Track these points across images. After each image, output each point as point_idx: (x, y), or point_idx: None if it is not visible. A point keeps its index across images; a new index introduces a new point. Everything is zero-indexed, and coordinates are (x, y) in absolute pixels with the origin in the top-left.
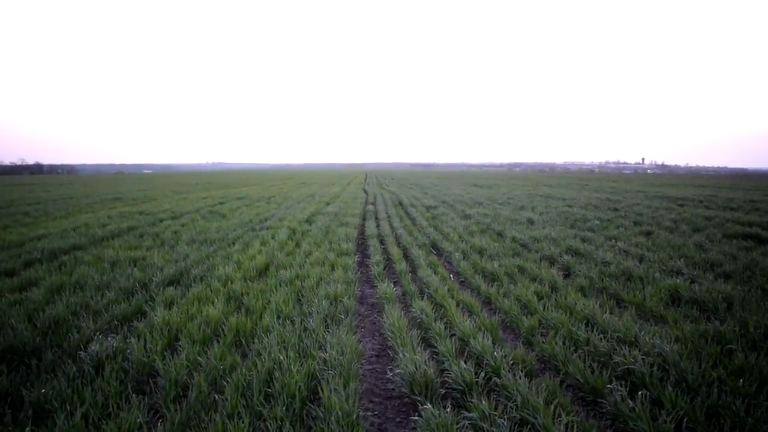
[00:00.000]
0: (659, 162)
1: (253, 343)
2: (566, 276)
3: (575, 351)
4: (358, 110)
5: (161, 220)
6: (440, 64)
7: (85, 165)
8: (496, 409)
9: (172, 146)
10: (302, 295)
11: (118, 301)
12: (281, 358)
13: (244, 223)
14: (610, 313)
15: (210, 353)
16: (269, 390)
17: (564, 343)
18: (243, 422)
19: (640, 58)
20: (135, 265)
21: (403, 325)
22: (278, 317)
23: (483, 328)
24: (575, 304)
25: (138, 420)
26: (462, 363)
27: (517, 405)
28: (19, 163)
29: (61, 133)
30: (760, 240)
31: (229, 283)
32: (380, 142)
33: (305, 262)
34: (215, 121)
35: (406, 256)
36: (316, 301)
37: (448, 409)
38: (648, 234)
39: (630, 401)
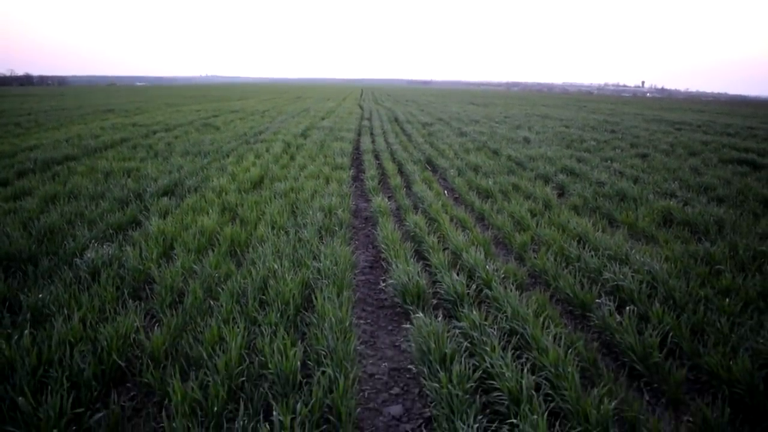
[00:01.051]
0: (659, 86)
1: (248, 252)
2: (560, 195)
3: (566, 267)
4: (356, 24)
5: (154, 132)
6: None
7: (76, 76)
8: (486, 319)
9: (166, 58)
10: (296, 207)
11: (113, 210)
12: (275, 267)
13: (238, 136)
14: (603, 231)
15: (205, 262)
16: (264, 297)
17: (555, 259)
18: (238, 327)
19: None
20: (129, 176)
21: (396, 238)
22: (272, 228)
23: (476, 243)
24: (568, 222)
25: (135, 324)
26: (454, 275)
27: (506, 316)
28: (7, 74)
29: (52, 44)
30: (755, 166)
31: (224, 194)
32: (378, 57)
33: (300, 175)
34: (210, 33)
35: (401, 171)
36: (310, 213)
37: (440, 319)
38: (644, 156)
39: (618, 316)
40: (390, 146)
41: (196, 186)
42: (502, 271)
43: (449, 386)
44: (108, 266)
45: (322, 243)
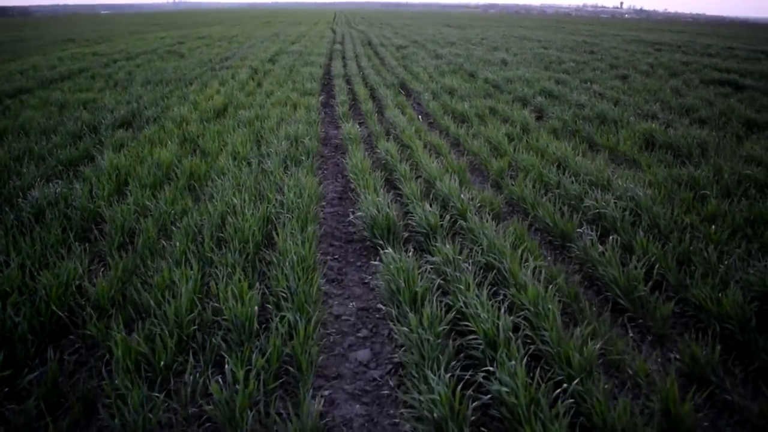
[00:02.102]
0: (637, 6)
1: (207, 186)
2: (539, 118)
3: (545, 194)
4: None
5: (115, 61)
6: None
7: (40, 6)
8: (460, 253)
9: None
10: (261, 137)
11: (65, 145)
12: (235, 201)
13: (203, 63)
14: (583, 156)
15: (160, 197)
16: (222, 235)
17: (534, 186)
18: (192, 269)
19: None
20: (85, 108)
21: (366, 167)
22: (234, 159)
23: (450, 170)
24: (547, 146)
25: (78, 269)
26: (426, 206)
27: (482, 249)
28: None
29: None
30: (737, 86)
31: (185, 124)
32: None
33: (266, 102)
34: None
35: (373, 96)
36: (275, 141)
37: (410, 253)
38: (624, 77)
39: (600, 246)
40: (362, 70)
41: (156, 116)
42: (477, 200)
43: (419, 330)
44: (54, 206)
45: (287, 174)
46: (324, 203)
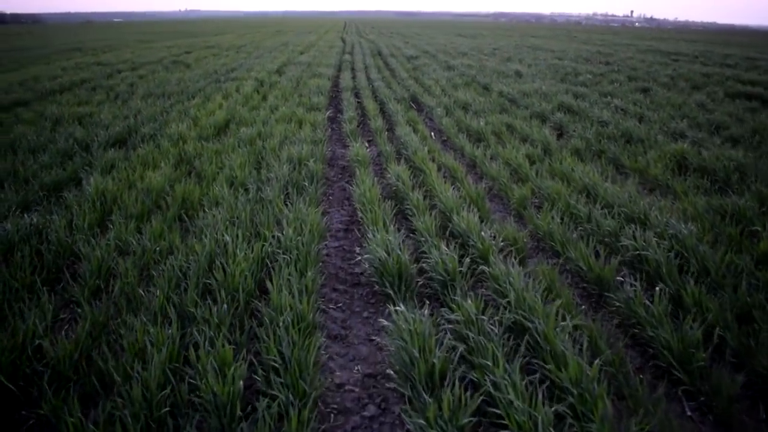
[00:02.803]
0: (648, 15)
1: (198, 218)
2: (559, 136)
3: (575, 229)
4: None
5: (119, 72)
6: None
7: (52, 14)
8: (484, 311)
9: None
10: (262, 158)
11: (52, 165)
12: (227, 239)
13: (208, 74)
14: (612, 181)
15: (145, 231)
16: (209, 282)
17: (562, 219)
18: (170, 327)
19: None
20: (80, 123)
21: (375, 195)
22: (231, 185)
23: (468, 199)
24: (572, 170)
25: (40, 325)
26: (443, 246)
27: (510, 303)
28: None
29: None
30: (764, 101)
31: (182, 143)
32: None
33: (270, 118)
34: None
35: (383, 111)
36: (276, 165)
37: (426, 311)
38: (645, 91)
39: (645, 299)
40: (372, 83)
41: (152, 134)
42: (500, 238)
43: (440, 422)
44: (26, 242)
45: (288, 204)
46: (328, 236)
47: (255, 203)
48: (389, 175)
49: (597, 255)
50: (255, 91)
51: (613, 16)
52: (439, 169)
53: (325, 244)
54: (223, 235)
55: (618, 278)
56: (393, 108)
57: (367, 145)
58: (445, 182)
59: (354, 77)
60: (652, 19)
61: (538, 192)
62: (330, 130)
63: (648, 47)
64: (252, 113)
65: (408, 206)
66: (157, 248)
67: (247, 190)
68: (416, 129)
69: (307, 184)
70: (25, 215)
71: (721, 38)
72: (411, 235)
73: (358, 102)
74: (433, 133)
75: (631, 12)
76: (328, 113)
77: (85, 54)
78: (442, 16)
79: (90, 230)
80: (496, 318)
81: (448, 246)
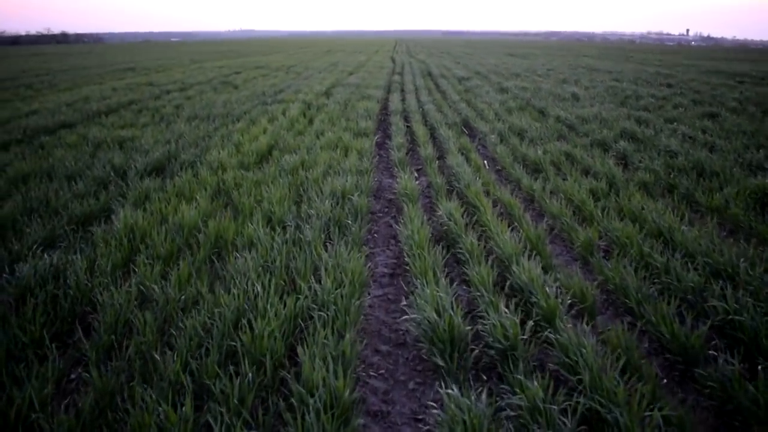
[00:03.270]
0: (704, 34)
1: (230, 260)
2: (623, 167)
3: (652, 283)
4: None
5: (168, 92)
6: None
7: (113, 33)
8: (554, 394)
9: (203, 12)
10: (304, 190)
11: (86, 194)
12: (258, 290)
13: (255, 96)
14: (688, 223)
15: (171, 276)
16: (233, 344)
17: (635, 270)
18: (182, 404)
19: None
20: (121, 147)
21: (424, 237)
22: (269, 221)
23: (527, 242)
24: (642, 209)
25: (41, 392)
26: (501, 306)
27: (584, 384)
28: (44, 32)
29: (91, 1)
30: None
31: (221, 171)
32: (413, 8)
33: (315, 144)
34: None
35: (433, 137)
36: (318, 200)
37: (483, 396)
38: (713, 116)
39: (744, 378)
40: (422, 105)
41: (192, 160)
42: (567, 294)
43: None
44: (43, 286)
45: (328, 244)
46: (371, 282)
47: (292, 245)
48: (440, 212)
49: (681, 318)
50: (301, 114)
51: (668, 34)
52: (494, 205)
53: (368, 292)
54: (254, 285)
55: (710, 351)
56: (444, 134)
57: (416, 175)
58: (501, 221)
59: (404, 99)
60: (708, 38)
61: (605, 234)
62: (377, 157)
63: (710, 68)
64: (297, 139)
65: (461, 250)
66: (182, 297)
67: (285, 228)
68: (468, 158)
69: (350, 221)
70: (46, 255)
71: None
72: (464, 283)
73: (407, 126)
74: (486, 162)
75: (687, 31)
76: (376, 138)
77: (137, 74)
78: (490, 35)
79: (113, 273)
80: (567, 404)
81: (507, 305)
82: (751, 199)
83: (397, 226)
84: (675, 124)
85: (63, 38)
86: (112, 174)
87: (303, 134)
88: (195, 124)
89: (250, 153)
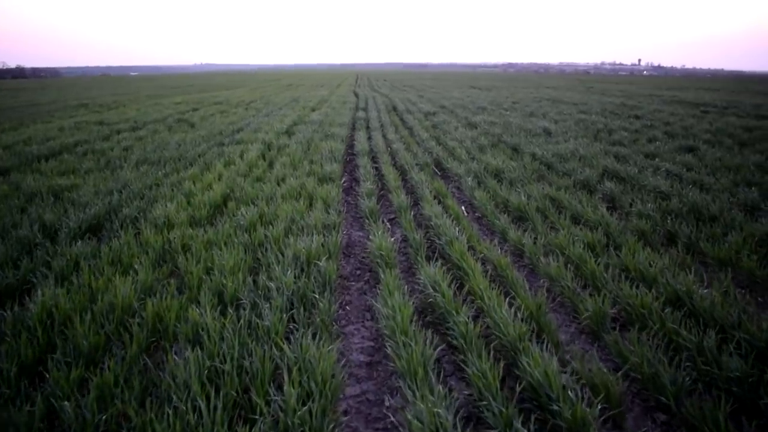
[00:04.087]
0: (655, 63)
1: (168, 360)
2: (612, 209)
3: (677, 365)
4: (352, 7)
5: (118, 132)
6: None
7: (70, 68)
8: None
9: (162, 47)
10: (263, 253)
11: (5, 263)
12: (202, 409)
13: (212, 136)
14: (705, 282)
15: (92, 389)
16: None
17: (656, 349)
18: None
19: None
20: (57, 199)
21: (407, 316)
22: (219, 299)
23: (530, 321)
24: (650, 266)
25: None
26: (517, 424)
27: None
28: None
29: (47, 35)
30: None
31: (167, 230)
32: (373, 41)
33: (276, 193)
34: (206, 20)
35: (404, 179)
36: (278, 268)
37: None
38: (691, 150)
39: None
40: (389, 144)
41: (135, 216)
42: (585, 387)
43: None
44: None
45: (294, 328)
46: (346, 376)
47: (247, 335)
48: (422, 279)
49: (737, 423)
50: (261, 156)
51: (621, 64)
52: (483, 264)
53: (342, 392)
54: (196, 403)
55: None
56: (416, 177)
57: (389, 226)
58: (494, 287)
59: (370, 137)
60: (659, 67)
61: (616, 301)
62: (345, 203)
63: (672, 98)
64: (255, 186)
65: (452, 332)
66: (103, 418)
67: (238, 308)
68: (446, 205)
69: (317, 296)
70: None
71: (737, 86)
72: (462, 382)
73: (375, 168)
74: (464, 208)
75: (639, 60)
76: (342, 182)
77: (89, 111)
78: (451, 68)
79: (16, 382)
80: None
81: (525, 420)
82: (761, 248)
83: (372, 301)
84: (656, 160)
85: (19, 72)
86: (39, 235)
87: (262, 181)
88: (143, 170)
89: (202, 205)
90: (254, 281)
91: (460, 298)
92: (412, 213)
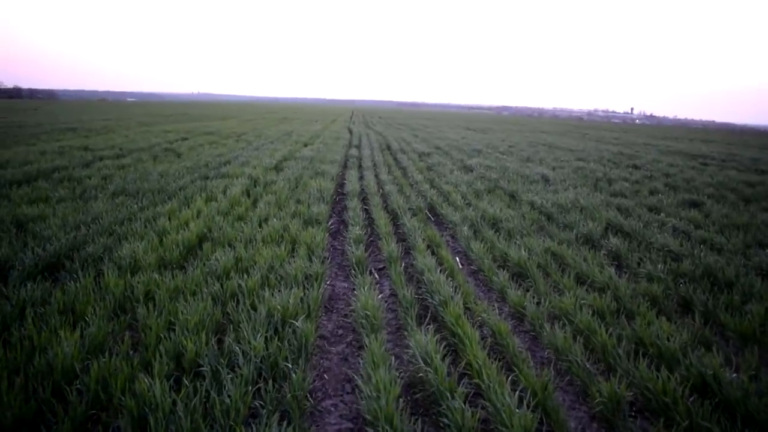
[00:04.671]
0: (647, 112)
1: None
2: (617, 267)
3: None
4: (351, 45)
5: (101, 159)
6: (430, 3)
7: (67, 90)
8: None
9: (161, 74)
10: (234, 306)
11: None
12: None
13: (197, 167)
14: (737, 369)
15: None
16: None
17: None
18: None
19: (632, 3)
20: (20, 230)
21: (392, 403)
22: (177, 364)
23: (535, 407)
24: (668, 339)
25: None
26: None
27: None
28: None
29: (47, 57)
30: None
31: (130, 273)
32: (370, 79)
33: (256, 235)
34: (207, 50)
35: (396, 225)
36: (248, 328)
37: None
38: (696, 205)
39: None
40: (382, 186)
41: (99, 255)
42: None
43: None
44: None
45: (258, 406)
46: None
47: (201, 417)
48: (411, 349)
49: None
50: (245, 192)
51: (613, 112)
52: (480, 331)
53: None
54: None
55: None
56: (409, 224)
57: (377, 277)
58: (493, 359)
59: (362, 177)
60: (651, 117)
61: (633, 385)
62: (331, 250)
63: (669, 148)
64: (235, 226)
65: (445, 419)
66: None
67: (198, 375)
68: (440, 256)
69: (290, 364)
70: None
71: (731, 138)
72: None
73: (365, 211)
74: (459, 259)
75: (631, 109)
76: (330, 224)
77: (77, 135)
78: (445, 108)
79: None
80: None
81: None
82: None
83: (353, 374)
84: (661, 214)
85: (16, 93)
86: None
87: (243, 220)
88: (119, 201)
89: (174, 246)
90: (219, 342)
91: (455, 374)
92: (403, 264)
